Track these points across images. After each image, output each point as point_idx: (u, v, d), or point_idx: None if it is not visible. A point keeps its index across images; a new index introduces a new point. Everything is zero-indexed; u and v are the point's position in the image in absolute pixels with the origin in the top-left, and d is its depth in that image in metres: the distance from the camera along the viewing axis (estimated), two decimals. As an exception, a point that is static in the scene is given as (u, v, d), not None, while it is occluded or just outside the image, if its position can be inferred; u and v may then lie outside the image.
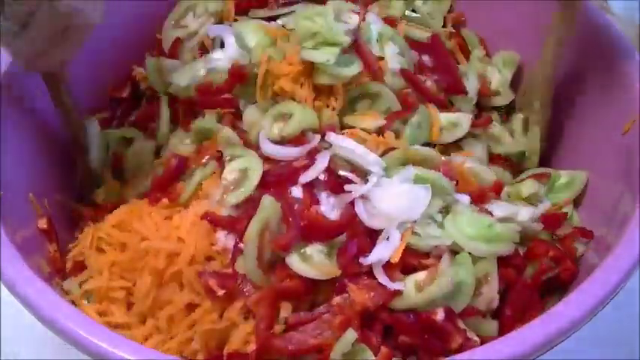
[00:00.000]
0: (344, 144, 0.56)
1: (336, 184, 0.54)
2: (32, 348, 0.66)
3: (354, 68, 0.59)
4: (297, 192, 0.53)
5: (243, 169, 0.56)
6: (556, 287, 0.55)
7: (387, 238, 0.52)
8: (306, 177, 0.54)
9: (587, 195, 0.61)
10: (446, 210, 0.55)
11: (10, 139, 0.56)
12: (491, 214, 0.55)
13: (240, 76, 0.60)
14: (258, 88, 0.59)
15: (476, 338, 0.50)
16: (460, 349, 0.48)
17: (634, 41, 0.59)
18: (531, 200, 0.60)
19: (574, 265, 0.55)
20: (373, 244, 0.52)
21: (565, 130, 0.65)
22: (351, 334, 0.48)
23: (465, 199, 0.55)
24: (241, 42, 0.62)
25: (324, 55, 0.57)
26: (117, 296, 0.53)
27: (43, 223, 0.57)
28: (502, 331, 0.51)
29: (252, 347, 0.49)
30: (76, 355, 0.46)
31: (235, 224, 0.53)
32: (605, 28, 0.61)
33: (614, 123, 0.58)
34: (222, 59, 0.63)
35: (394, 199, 0.53)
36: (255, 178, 0.55)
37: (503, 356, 0.43)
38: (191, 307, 0.51)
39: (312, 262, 0.51)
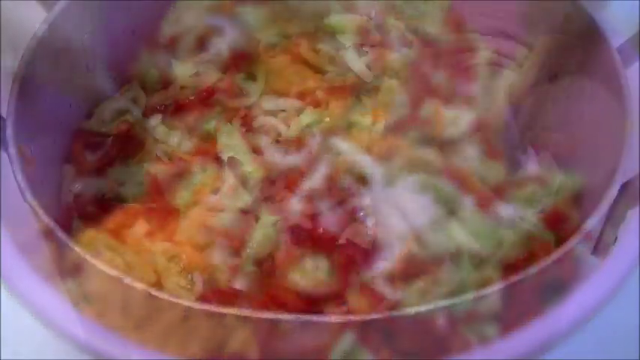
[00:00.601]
0: (347, 150, 0.55)
1: (337, 192, 0.54)
2: (32, 348, 0.66)
3: (363, 64, 0.58)
4: (297, 201, 0.53)
5: (243, 174, 0.56)
6: (556, 287, 0.55)
7: (390, 247, 0.51)
8: (306, 185, 0.54)
9: (587, 195, 0.61)
10: (449, 213, 0.55)
11: (11, 138, 0.56)
12: (493, 216, 0.55)
13: (240, 57, 0.59)
14: (260, 85, 0.59)
15: (476, 340, 0.50)
16: (460, 351, 0.48)
17: (634, 41, 0.59)
18: (531, 201, 0.60)
19: (574, 265, 0.55)
20: (375, 254, 0.51)
21: (565, 130, 0.65)
22: (350, 337, 0.48)
23: (468, 202, 0.55)
24: (243, 28, 0.61)
25: (331, 49, 0.57)
26: (114, 299, 0.53)
27: (43, 223, 0.57)
28: (502, 332, 0.51)
29: (251, 350, 0.49)
30: (77, 355, 0.46)
31: (234, 232, 0.53)
32: (604, 28, 0.61)
33: (613, 123, 0.58)
34: (221, 48, 0.62)
35: (397, 207, 0.53)
36: (255, 184, 0.55)
37: (503, 356, 0.43)
38: (189, 313, 0.51)
39: (312, 274, 0.51)
